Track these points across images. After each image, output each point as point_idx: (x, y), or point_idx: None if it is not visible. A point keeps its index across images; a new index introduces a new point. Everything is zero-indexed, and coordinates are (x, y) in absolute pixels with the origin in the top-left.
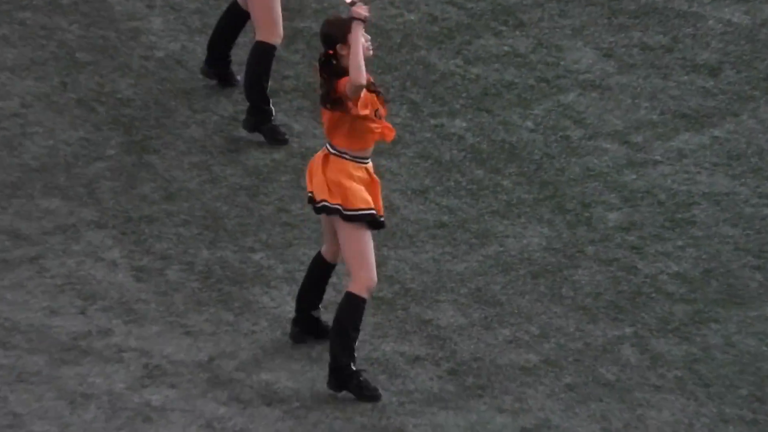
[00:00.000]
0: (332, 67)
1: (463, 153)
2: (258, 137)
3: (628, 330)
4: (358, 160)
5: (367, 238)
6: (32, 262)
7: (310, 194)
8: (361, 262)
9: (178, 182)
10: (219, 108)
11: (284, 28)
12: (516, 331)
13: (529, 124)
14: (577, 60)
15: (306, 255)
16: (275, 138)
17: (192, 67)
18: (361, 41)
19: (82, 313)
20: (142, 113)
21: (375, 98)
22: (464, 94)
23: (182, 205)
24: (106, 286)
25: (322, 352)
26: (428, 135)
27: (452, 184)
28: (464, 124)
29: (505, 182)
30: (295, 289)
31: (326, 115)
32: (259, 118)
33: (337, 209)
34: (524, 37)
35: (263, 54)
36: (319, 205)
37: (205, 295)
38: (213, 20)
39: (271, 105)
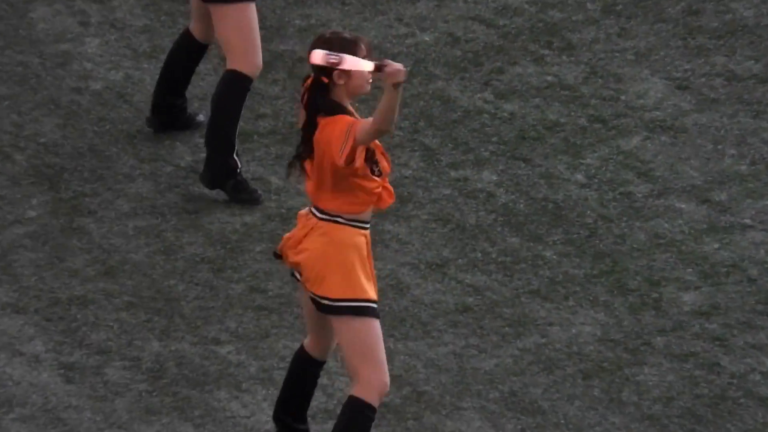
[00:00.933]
0: (323, 99)
1: (494, 215)
2: (223, 194)
3: None
4: (356, 224)
5: (375, 331)
6: None
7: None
8: (369, 360)
9: (120, 253)
10: (174, 156)
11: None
12: None
13: (580, 177)
14: (642, 93)
15: (288, 348)
16: (243, 196)
17: (138, 102)
18: (398, 101)
19: None
20: (73, 163)
21: (379, 147)
22: (495, 138)
23: (125, 283)
24: (25, 389)
25: None
26: (447, 192)
27: (479, 255)
28: (494, 177)
29: (547, 253)
30: (273, 392)
31: (308, 166)
32: (220, 171)
33: (327, 305)
34: (573, 64)
35: (235, 87)
36: (311, 296)
37: (156, 399)
38: (166, 42)
39: (236, 155)
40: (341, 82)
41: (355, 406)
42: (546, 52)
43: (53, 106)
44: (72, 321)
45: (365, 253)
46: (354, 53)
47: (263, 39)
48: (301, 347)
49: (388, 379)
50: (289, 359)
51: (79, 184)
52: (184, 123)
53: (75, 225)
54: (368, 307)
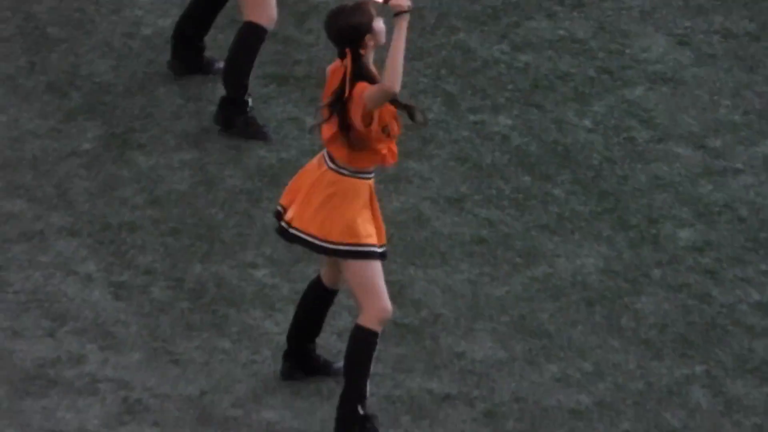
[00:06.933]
0: (358, 67)
1: (508, 156)
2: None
3: (698, 368)
4: (360, 175)
5: (374, 269)
6: None
7: (279, 209)
8: (369, 293)
9: (167, 184)
10: (216, 96)
11: (296, 3)
12: (566, 367)
13: (587, 122)
14: (645, 48)
15: (317, 272)
16: (252, 131)
17: None
18: (403, 37)
19: (51, 335)
20: (125, 101)
21: (391, 111)
22: (510, 86)
23: (171, 210)
24: (78, 305)
25: (335, 387)
26: (466, 134)
27: (494, 192)
28: (509, 122)
29: (556, 191)
30: None
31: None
32: (231, 110)
33: (327, 248)
34: (583, 20)
35: (251, 37)
36: (299, 235)
37: (197, 317)
38: None
39: (248, 97)
40: (371, 43)
41: (359, 333)
42: (558, 8)
43: (107, 49)
44: (121, 244)
45: (368, 198)
46: (369, 13)
47: None
48: (317, 278)
49: (388, 305)
50: None
51: (130, 120)
52: (203, 68)
53: (125, 157)
54: (369, 251)
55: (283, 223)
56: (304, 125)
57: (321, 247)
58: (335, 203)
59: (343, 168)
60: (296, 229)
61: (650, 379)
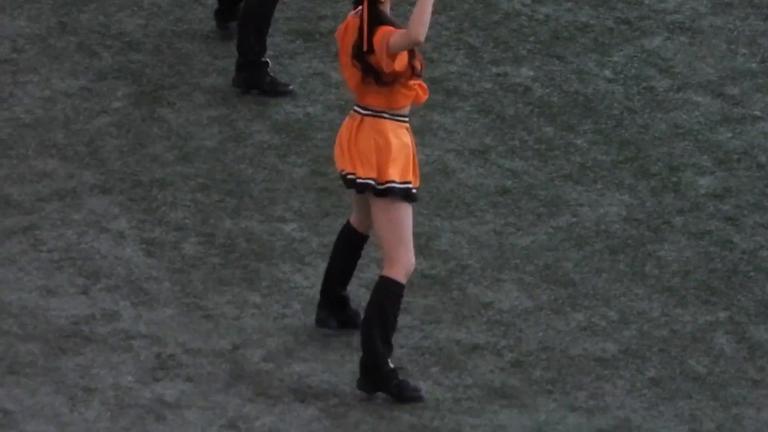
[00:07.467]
0: (376, 13)
1: (530, 107)
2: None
3: (722, 315)
4: (399, 119)
5: (408, 215)
6: (25, 233)
7: (343, 173)
8: (400, 242)
9: (196, 140)
10: None
11: None
12: (591, 315)
13: (608, 73)
14: None
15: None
16: (279, 89)
17: (213, 4)
18: (430, 4)
19: (84, 293)
20: (154, 59)
21: (411, 50)
22: (531, 38)
23: (200, 167)
24: (111, 262)
25: None
26: (489, 85)
27: (517, 143)
28: (531, 73)
29: (578, 141)
30: None
31: (349, 71)
32: (252, 73)
33: (370, 185)
34: None
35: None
36: (357, 181)
37: (228, 272)
38: None
39: (265, 58)
40: None
41: (387, 284)
42: None
43: (136, 8)
44: (152, 201)
45: (409, 143)
46: None
47: None
48: (348, 223)
49: (414, 259)
50: None
51: (159, 78)
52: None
53: (155, 115)
54: (415, 193)
55: (349, 177)
56: (330, 80)
57: (380, 190)
58: (381, 145)
59: (383, 112)
60: (362, 179)
61: (674, 326)
